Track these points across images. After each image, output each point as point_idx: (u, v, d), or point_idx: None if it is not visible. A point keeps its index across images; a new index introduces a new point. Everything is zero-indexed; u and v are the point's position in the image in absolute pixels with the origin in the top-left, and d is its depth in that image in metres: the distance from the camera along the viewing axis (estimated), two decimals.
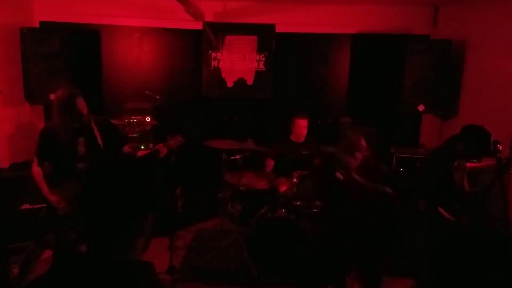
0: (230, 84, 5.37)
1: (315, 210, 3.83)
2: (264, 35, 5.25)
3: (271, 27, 5.21)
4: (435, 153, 3.32)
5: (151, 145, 4.66)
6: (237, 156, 3.96)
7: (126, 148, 3.40)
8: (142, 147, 4.67)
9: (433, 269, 0.94)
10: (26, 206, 3.83)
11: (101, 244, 1.11)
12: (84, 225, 1.12)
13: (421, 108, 4.70)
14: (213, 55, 5.29)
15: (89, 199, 1.11)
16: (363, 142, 3.36)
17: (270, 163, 4.46)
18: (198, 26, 5.14)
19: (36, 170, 3.06)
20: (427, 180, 3.21)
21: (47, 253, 3.78)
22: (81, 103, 3.01)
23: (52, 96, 3.11)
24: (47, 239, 3.59)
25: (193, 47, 5.34)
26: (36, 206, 3.78)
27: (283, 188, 4.09)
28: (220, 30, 5.22)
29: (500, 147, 2.91)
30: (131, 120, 4.77)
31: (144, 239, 1.18)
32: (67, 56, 4.48)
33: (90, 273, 1.04)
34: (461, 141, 3.05)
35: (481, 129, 2.96)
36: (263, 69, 5.34)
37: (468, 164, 3.14)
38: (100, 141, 3.11)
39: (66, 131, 3.00)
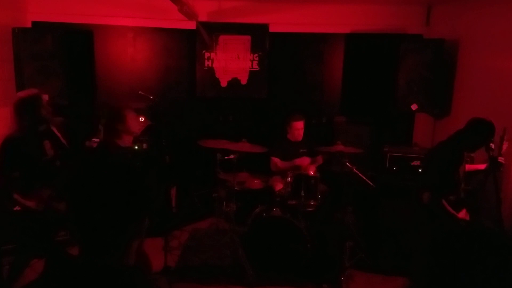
0: (224, 84, 5.36)
1: (310, 209, 3.84)
2: (258, 35, 5.25)
3: (264, 27, 5.21)
4: (442, 146, 3.33)
5: (145, 145, 4.63)
6: (232, 156, 3.96)
7: (89, 143, 3.33)
8: (136, 147, 4.64)
9: (428, 266, 0.95)
10: (18, 208, 3.78)
11: (93, 248, 1.09)
12: (75, 228, 1.09)
13: (414, 107, 4.72)
14: (207, 54, 5.28)
15: (79, 200, 1.08)
16: None
17: (276, 161, 4.43)
18: (192, 25, 5.12)
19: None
20: (434, 173, 3.22)
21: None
22: (46, 103, 2.92)
23: (45, 98, 3.02)
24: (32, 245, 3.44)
25: (186, 47, 5.32)
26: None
27: (278, 187, 4.11)
28: (214, 30, 5.21)
29: (492, 145, 2.94)
30: None
31: (138, 242, 1.16)
32: (60, 56, 4.44)
33: (83, 278, 1.03)
34: (467, 134, 3.09)
35: (486, 122, 3.02)
36: (257, 69, 5.33)
37: (467, 166, 3.19)
38: (63, 141, 3.06)
39: (32, 136, 2.86)
